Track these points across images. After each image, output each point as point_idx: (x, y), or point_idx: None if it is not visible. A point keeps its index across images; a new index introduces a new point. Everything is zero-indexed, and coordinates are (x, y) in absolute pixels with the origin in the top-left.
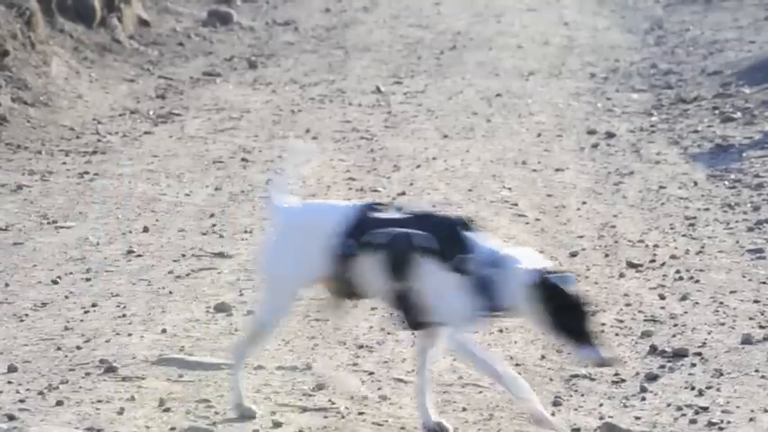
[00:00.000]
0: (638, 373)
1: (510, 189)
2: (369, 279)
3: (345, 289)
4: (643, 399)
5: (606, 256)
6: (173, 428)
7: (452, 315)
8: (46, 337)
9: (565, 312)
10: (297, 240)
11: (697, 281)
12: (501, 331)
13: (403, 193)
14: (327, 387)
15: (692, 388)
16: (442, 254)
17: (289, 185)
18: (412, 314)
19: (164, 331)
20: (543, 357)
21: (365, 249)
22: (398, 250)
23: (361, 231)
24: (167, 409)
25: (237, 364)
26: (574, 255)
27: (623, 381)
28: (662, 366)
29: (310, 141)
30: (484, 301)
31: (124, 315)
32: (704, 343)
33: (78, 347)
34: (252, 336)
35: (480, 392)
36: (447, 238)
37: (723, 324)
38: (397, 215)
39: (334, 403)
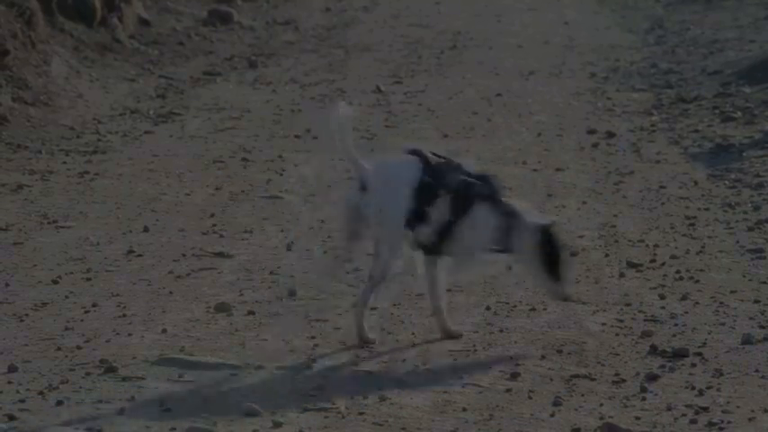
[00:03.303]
0: (638, 373)
1: (510, 189)
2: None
3: None
4: (643, 399)
5: (606, 255)
6: (173, 428)
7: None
8: (46, 337)
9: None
10: None
11: (697, 281)
12: (501, 331)
13: None
14: (327, 387)
15: (692, 388)
16: None
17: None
18: None
19: (164, 331)
20: (543, 357)
21: None
22: None
23: None
24: (167, 409)
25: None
26: (574, 255)
27: (623, 381)
28: (662, 366)
29: (311, 141)
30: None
31: (124, 315)
32: (704, 343)
33: (78, 347)
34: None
35: (480, 392)
36: None
37: (723, 324)
38: None
39: (334, 403)
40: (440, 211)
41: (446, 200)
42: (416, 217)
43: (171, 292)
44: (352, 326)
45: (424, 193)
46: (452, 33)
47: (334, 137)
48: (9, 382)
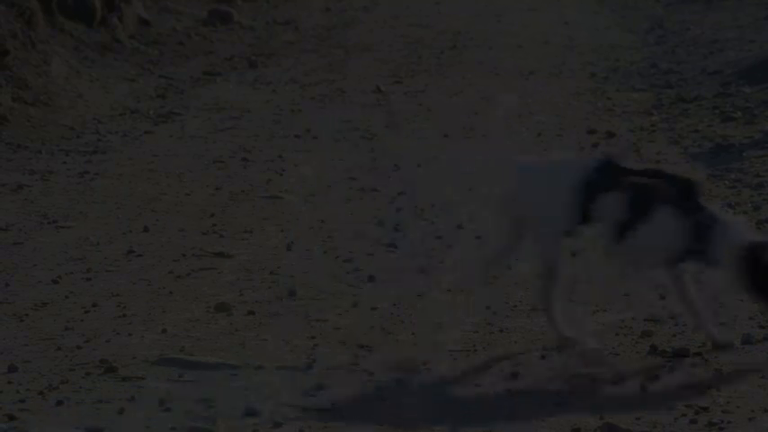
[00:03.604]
0: (638, 374)
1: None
2: None
3: None
4: (643, 399)
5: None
6: (173, 428)
7: None
8: (46, 337)
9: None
10: None
11: (697, 281)
12: (501, 331)
13: (403, 193)
14: (327, 387)
15: (692, 388)
16: None
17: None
18: None
19: (164, 331)
20: (543, 357)
21: None
22: None
23: None
24: (167, 409)
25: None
26: (575, 254)
27: (623, 381)
28: (662, 366)
29: (311, 141)
30: None
31: (124, 315)
32: (704, 343)
33: (78, 347)
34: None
35: (480, 392)
36: None
37: (723, 324)
38: None
39: (334, 403)
40: (609, 210)
41: (617, 199)
42: (580, 218)
43: (171, 292)
44: (551, 327)
45: (590, 192)
46: (452, 33)
47: (501, 127)
48: (9, 382)
